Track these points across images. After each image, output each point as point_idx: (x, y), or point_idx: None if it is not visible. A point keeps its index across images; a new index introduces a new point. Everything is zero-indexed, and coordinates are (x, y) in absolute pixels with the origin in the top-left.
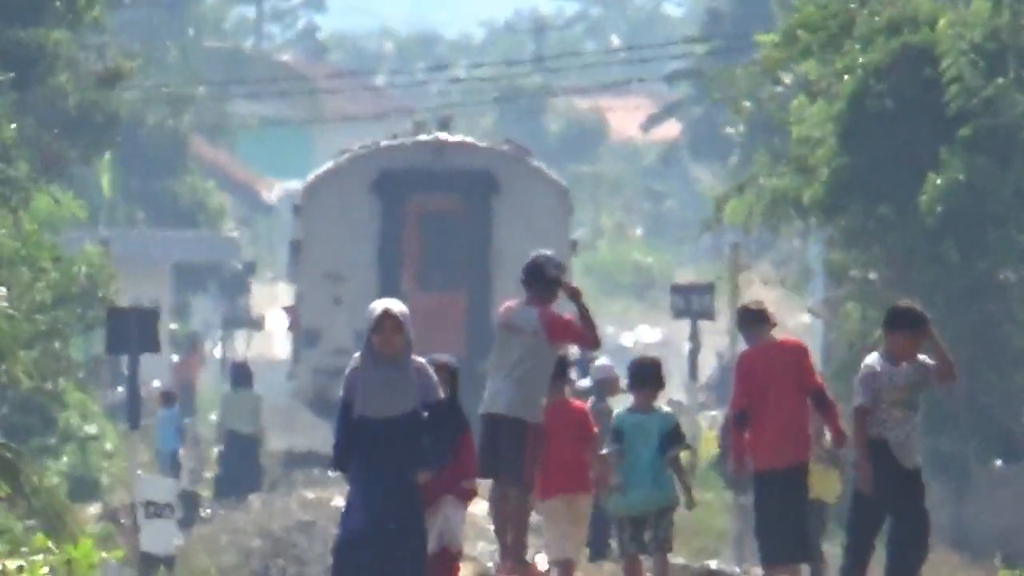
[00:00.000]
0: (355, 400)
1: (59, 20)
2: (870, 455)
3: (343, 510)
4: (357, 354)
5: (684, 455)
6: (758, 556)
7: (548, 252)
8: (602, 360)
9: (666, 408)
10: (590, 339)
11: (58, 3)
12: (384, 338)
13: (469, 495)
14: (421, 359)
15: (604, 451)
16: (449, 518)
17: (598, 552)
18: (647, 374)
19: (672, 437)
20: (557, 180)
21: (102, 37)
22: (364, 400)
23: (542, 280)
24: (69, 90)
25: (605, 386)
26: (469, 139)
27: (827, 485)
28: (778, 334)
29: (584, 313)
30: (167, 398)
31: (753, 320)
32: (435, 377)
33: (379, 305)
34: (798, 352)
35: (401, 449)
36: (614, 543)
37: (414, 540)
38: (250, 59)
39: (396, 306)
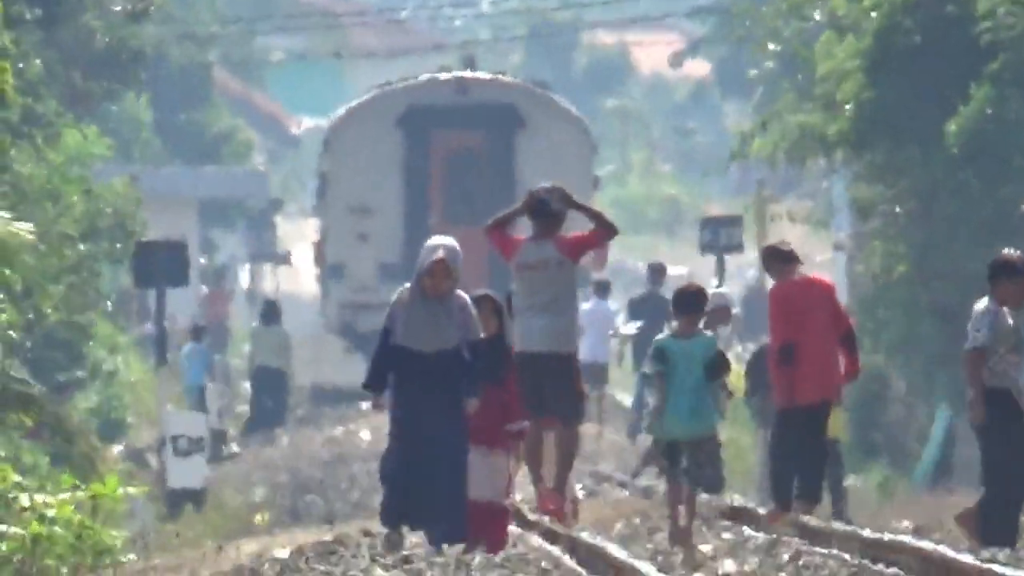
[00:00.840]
0: (397, 331)
1: None
2: (988, 401)
3: (389, 441)
4: (405, 286)
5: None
6: (770, 492)
7: (547, 185)
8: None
9: (708, 333)
10: (607, 231)
11: None
12: (435, 282)
13: (519, 437)
14: (465, 296)
15: (647, 371)
16: (491, 471)
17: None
18: (691, 300)
19: (718, 362)
20: (580, 117)
21: None
22: (407, 333)
23: (548, 214)
24: (96, 27)
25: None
26: (492, 76)
27: (837, 423)
28: (804, 270)
29: (587, 211)
30: (196, 332)
31: (782, 259)
32: (476, 316)
33: (434, 248)
34: (829, 290)
35: (443, 382)
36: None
37: (454, 469)
38: None
39: (450, 252)
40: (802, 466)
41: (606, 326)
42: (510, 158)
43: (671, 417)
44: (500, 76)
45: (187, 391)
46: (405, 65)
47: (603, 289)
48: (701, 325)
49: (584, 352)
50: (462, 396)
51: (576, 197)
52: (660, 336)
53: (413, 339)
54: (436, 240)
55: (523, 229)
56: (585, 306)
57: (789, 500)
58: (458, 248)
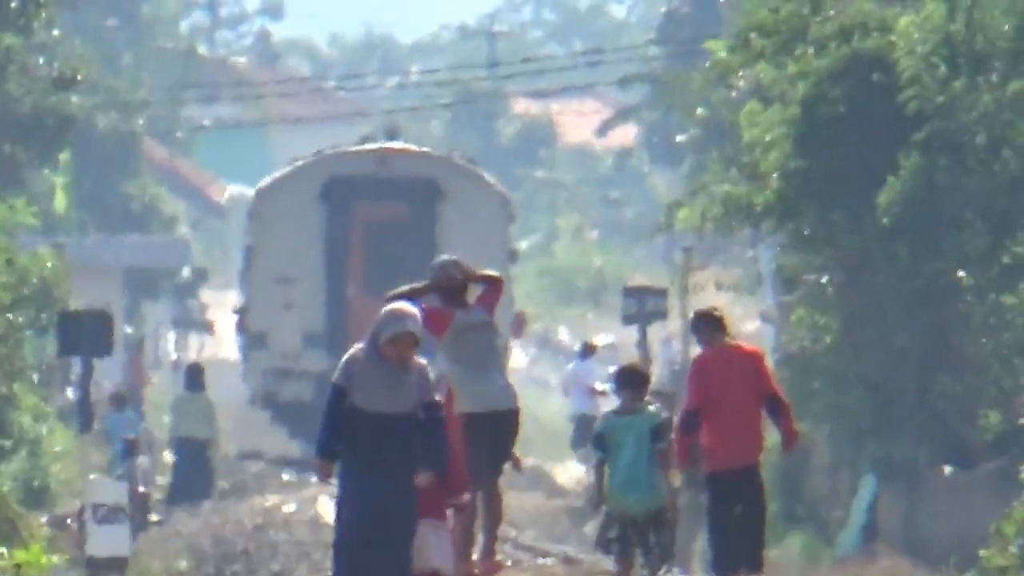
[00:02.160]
0: (354, 392)
1: (9, 24)
2: None
3: (338, 503)
4: (359, 345)
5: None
6: (710, 564)
7: (448, 257)
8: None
9: (651, 407)
10: (497, 282)
11: (11, 6)
12: (399, 352)
13: (460, 510)
14: (422, 360)
15: (593, 460)
16: (439, 542)
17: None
18: (634, 377)
19: (661, 432)
20: (500, 189)
21: (54, 40)
22: (361, 394)
23: (461, 287)
24: (21, 94)
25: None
26: (414, 147)
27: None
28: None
29: (477, 277)
30: (117, 401)
31: (710, 326)
32: (432, 379)
33: (397, 318)
34: (755, 357)
35: (398, 446)
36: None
37: (404, 537)
38: (203, 63)
39: (413, 322)
40: (738, 535)
41: (592, 382)
42: (431, 229)
43: (620, 493)
44: (421, 148)
45: (115, 460)
46: (330, 133)
47: (587, 350)
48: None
49: (574, 405)
50: (415, 463)
51: (494, 268)
52: (603, 416)
53: (373, 401)
54: (401, 308)
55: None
56: (569, 366)
57: (729, 571)
58: (419, 317)
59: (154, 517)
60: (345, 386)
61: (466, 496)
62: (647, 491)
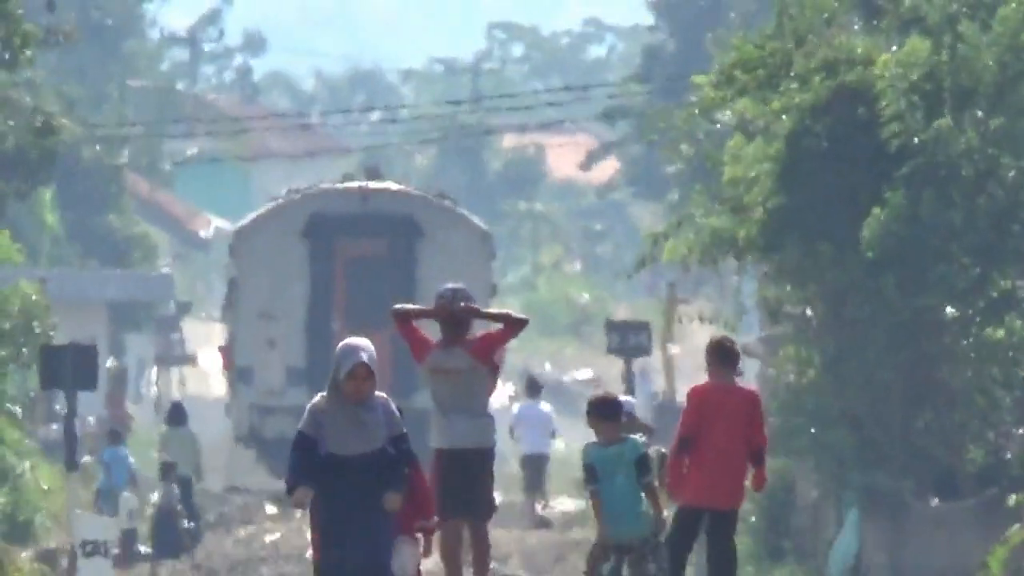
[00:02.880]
0: (321, 438)
1: None
2: None
3: (315, 546)
4: (320, 394)
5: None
6: None
7: (453, 285)
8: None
9: (634, 437)
10: (516, 326)
11: None
12: (357, 384)
13: (429, 533)
14: (383, 394)
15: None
16: (405, 562)
17: None
18: (609, 407)
19: (645, 463)
20: (479, 225)
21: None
22: (332, 439)
23: (456, 323)
24: (6, 130)
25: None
26: (394, 186)
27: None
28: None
29: (489, 315)
30: (114, 436)
31: (720, 357)
32: (396, 412)
33: (352, 351)
34: (752, 401)
35: (370, 485)
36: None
37: (383, 568)
38: (184, 99)
39: (367, 353)
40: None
41: (545, 423)
42: (411, 265)
43: (614, 522)
44: (401, 186)
45: (104, 494)
46: (313, 168)
47: (534, 389)
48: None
49: (527, 446)
50: (383, 494)
51: (475, 303)
52: (586, 448)
53: (341, 445)
54: (351, 342)
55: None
56: (515, 406)
57: None
58: (374, 350)
59: (142, 550)
60: (313, 435)
61: (434, 519)
62: (636, 521)
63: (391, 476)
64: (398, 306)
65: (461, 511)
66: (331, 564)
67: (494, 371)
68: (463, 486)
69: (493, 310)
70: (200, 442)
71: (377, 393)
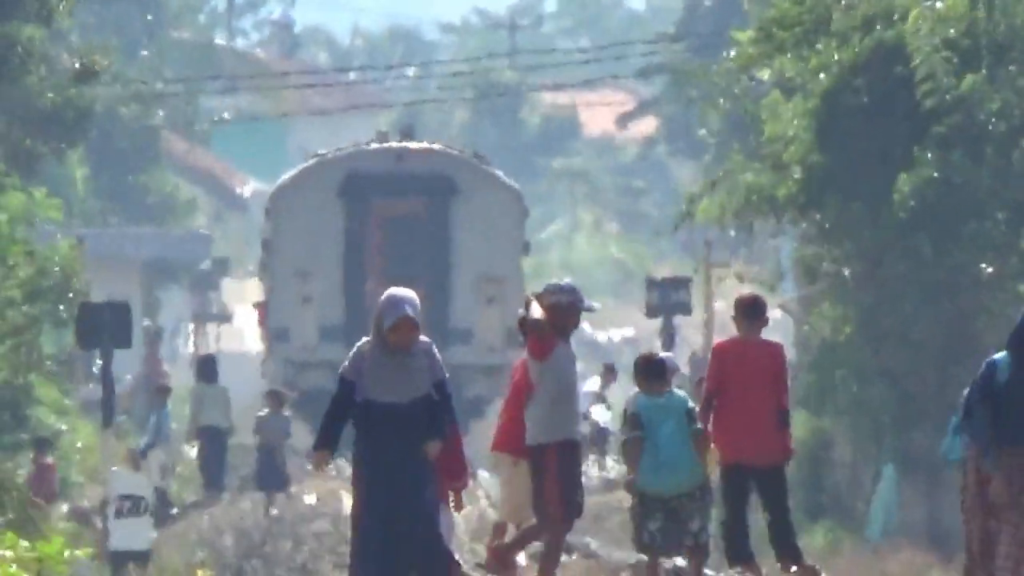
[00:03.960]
0: (363, 385)
1: (30, 16)
2: None
3: (357, 495)
4: (364, 340)
5: None
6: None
7: (561, 282)
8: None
9: (680, 390)
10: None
11: None
12: (400, 337)
13: (458, 492)
14: (427, 339)
15: (626, 438)
16: (446, 528)
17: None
18: (657, 367)
19: (694, 415)
20: (512, 185)
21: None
22: (374, 386)
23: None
24: (42, 87)
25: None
26: (429, 145)
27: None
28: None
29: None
30: (164, 392)
31: (754, 312)
32: (439, 357)
33: (396, 303)
34: (775, 355)
35: (414, 432)
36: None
37: (429, 518)
38: (222, 53)
39: (410, 305)
40: (769, 528)
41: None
42: (445, 224)
43: (661, 474)
44: (435, 146)
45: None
46: (350, 125)
47: None
48: None
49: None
50: (424, 441)
51: (507, 260)
52: (633, 396)
53: (383, 391)
54: (395, 294)
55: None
56: None
57: (745, 557)
58: (417, 301)
59: (174, 511)
60: (354, 380)
61: (468, 480)
62: (688, 472)
63: (434, 422)
64: (523, 324)
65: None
66: (375, 513)
67: None
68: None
69: (531, 321)
70: (230, 398)
71: (421, 338)
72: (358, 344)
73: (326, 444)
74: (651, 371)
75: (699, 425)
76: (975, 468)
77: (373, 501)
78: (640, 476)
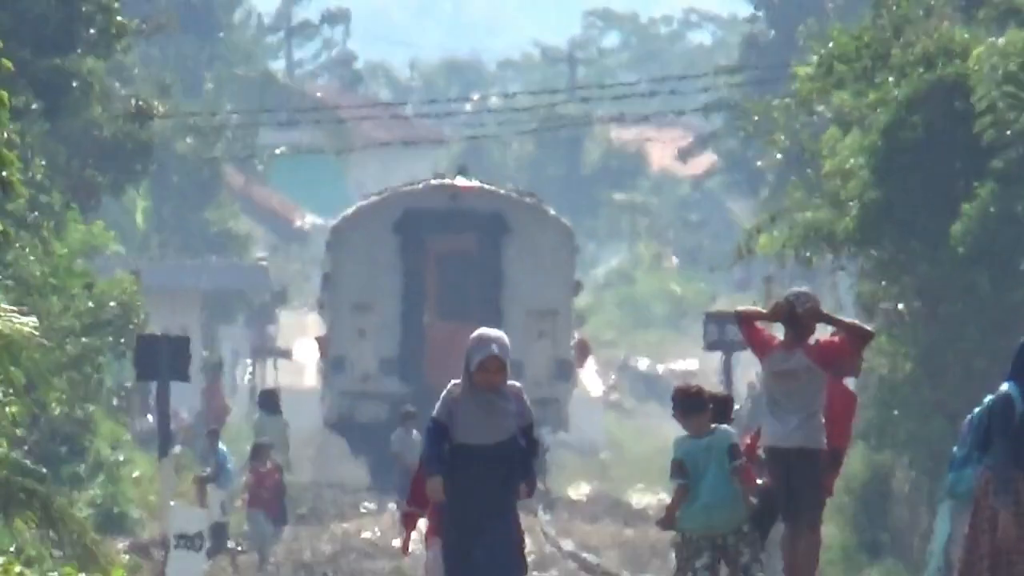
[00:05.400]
0: (454, 427)
1: (90, 48)
2: None
3: (444, 542)
4: (455, 382)
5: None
6: None
7: (799, 290)
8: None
9: (724, 426)
10: (861, 338)
11: (90, 31)
12: (488, 377)
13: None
14: (517, 384)
15: (674, 484)
16: None
17: None
18: (694, 400)
19: (735, 451)
20: (563, 222)
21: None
22: (463, 428)
23: (798, 324)
24: (102, 120)
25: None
26: (482, 184)
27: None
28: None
29: (835, 321)
30: (213, 436)
31: (689, 407)
32: (528, 402)
33: (485, 343)
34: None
35: (501, 474)
36: None
37: (512, 561)
38: (281, 88)
39: (498, 345)
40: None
41: None
42: (497, 261)
43: (705, 515)
44: (489, 185)
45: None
46: (409, 160)
47: None
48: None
49: None
50: (514, 487)
51: (557, 295)
52: (677, 441)
53: (472, 434)
54: (484, 333)
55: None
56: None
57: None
58: (507, 341)
59: (232, 544)
60: (445, 422)
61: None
62: (731, 510)
63: (521, 467)
64: (741, 308)
65: (790, 510)
66: (459, 555)
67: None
68: (793, 487)
69: (841, 318)
70: (290, 431)
71: (510, 383)
72: (447, 388)
73: (439, 470)
74: (688, 405)
75: (738, 461)
76: (990, 503)
77: (459, 544)
78: (686, 519)
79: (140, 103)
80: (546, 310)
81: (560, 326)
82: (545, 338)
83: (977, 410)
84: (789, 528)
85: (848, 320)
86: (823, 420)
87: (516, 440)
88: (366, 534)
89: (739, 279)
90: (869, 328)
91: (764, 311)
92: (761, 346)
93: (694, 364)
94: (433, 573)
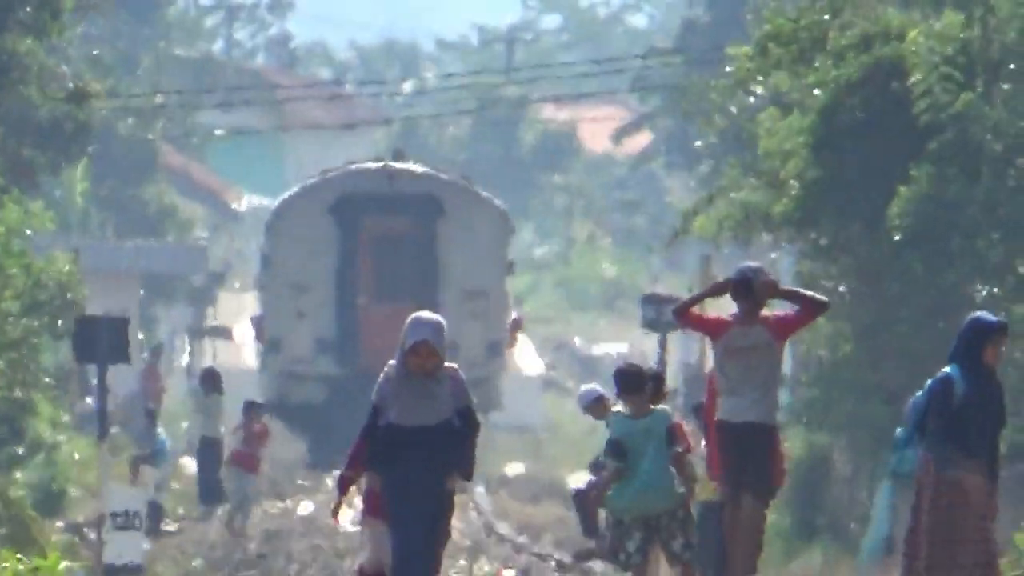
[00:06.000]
0: (387, 409)
1: (27, 29)
2: None
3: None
4: (391, 363)
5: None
6: None
7: (752, 264)
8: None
9: (662, 406)
10: (816, 308)
11: (27, 10)
12: (419, 361)
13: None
14: (454, 365)
15: (606, 466)
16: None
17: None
18: (634, 379)
19: (674, 434)
20: (498, 204)
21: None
22: (398, 410)
23: (753, 298)
24: (40, 100)
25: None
26: (418, 167)
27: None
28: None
29: (792, 294)
30: (150, 416)
31: (628, 386)
32: (466, 385)
33: (416, 327)
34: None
35: (435, 456)
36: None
37: (438, 541)
38: (220, 67)
39: (431, 329)
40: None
41: None
42: (432, 243)
43: (640, 497)
44: (424, 168)
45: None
46: (347, 140)
47: None
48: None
49: None
50: (448, 471)
51: (491, 277)
52: (614, 419)
53: (407, 416)
54: (420, 318)
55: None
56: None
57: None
58: (443, 324)
59: (171, 527)
60: (380, 405)
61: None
62: (666, 494)
63: (457, 451)
64: (674, 307)
65: (741, 486)
66: (399, 535)
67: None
68: (744, 461)
69: (797, 290)
70: (225, 410)
71: (447, 364)
72: (386, 368)
73: (374, 465)
74: (627, 384)
75: (677, 447)
76: (931, 482)
77: (398, 524)
78: (618, 501)
79: (78, 83)
80: (479, 291)
81: (493, 307)
82: (478, 319)
83: (920, 393)
84: (731, 503)
85: (803, 291)
86: (776, 396)
87: (451, 422)
88: (302, 511)
89: (677, 258)
90: (825, 298)
91: (697, 293)
92: (714, 327)
93: (624, 347)
94: (369, 551)
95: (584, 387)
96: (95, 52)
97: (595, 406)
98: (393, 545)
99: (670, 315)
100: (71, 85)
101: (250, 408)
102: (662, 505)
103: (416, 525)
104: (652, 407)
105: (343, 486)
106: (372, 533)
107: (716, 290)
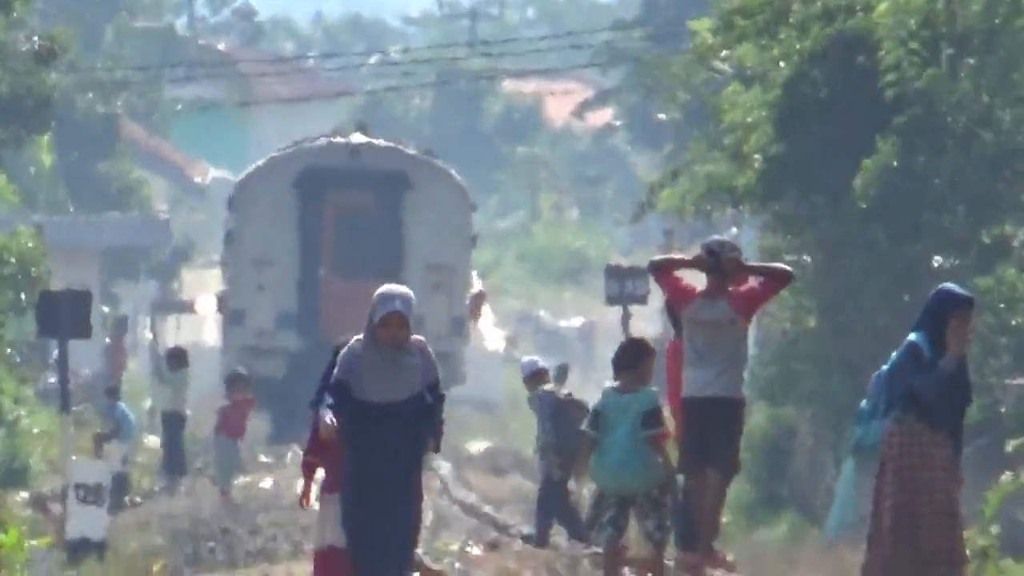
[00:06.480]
0: (355, 383)
1: None
2: None
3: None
4: (356, 337)
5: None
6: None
7: (720, 238)
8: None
9: (650, 388)
10: (782, 280)
11: None
12: (390, 332)
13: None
14: (421, 338)
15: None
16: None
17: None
18: (624, 357)
19: (652, 417)
20: (460, 181)
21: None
22: (366, 385)
23: (721, 272)
24: (0, 74)
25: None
26: (382, 142)
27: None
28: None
29: (759, 269)
30: (112, 393)
31: (619, 362)
32: (434, 357)
33: (385, 299)
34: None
35: (404, 431)
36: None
37: (409, 518)
38: (183, 42)
39: (401, 301)
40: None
41: None
42: (397, 218)
43: (614, 473)
44: (388, 142)
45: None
46: (311, 114)
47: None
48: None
49: None
50: (419, 446)
51: (455, 251)
52: (604, 390)
53: (378, 391)
54: (388, 290)
55: None
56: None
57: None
58: (412, 296)
59: (138, 499)
60: (346, 379)
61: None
62: (639, 473)
63: (427, 425)
64: (656, 258)
65: (704, 462)
66: (359, 516)
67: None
68: (708, 437)
69: (760, 264)
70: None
71: (414, 337)
72: (350, 343)
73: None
74: (619, 359)
75: (651, 430)
76: (895, 454)
77: (361, 502)
78: (598, 473)
79: (41, 45)
80: (443, 265)
81: (457, 281)
82: (442, 293)
83: (885, 366)
84: (695, 477)
85: (769, 264)
86: (743, 371)
87: (423, 396)
88: (263, 486)
89: (641, 231)
90: (790, 269)
91: (684, 258)
92: (682, 295)
93: (592, 318)
94: (325, 527)
95: (526, 358)
96: (58, 25)
97: (532, 379)
98: (351, 528)
99: (633, 288)
100: (37, 44)
101: (236, 379)
102: (635, 484)
103: (386, 508)
104: (641, 387)
105: (308, 472)
106: (333, 511)
107: (698, 264)
